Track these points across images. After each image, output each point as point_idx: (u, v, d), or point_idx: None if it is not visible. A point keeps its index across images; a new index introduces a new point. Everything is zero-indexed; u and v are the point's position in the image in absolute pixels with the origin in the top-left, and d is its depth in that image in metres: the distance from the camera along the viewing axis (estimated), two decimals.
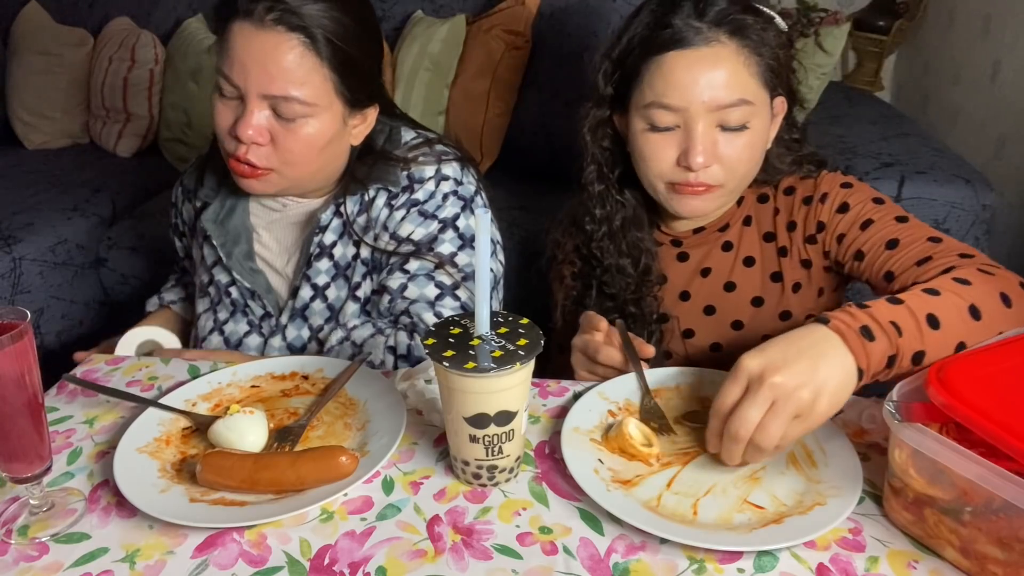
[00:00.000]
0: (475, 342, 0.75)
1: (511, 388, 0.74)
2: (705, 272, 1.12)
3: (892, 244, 0.97)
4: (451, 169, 1.14)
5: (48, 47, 2.57)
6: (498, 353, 0.73)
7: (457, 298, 1.11)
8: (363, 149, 1.15)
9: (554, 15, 2.16)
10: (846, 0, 2.96)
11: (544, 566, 0.69)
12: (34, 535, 0.74)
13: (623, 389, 0.92)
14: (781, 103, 1.05)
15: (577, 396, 0.91)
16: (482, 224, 0.73)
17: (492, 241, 1.19)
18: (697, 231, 1.12)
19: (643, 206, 1.14)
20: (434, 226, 1.12)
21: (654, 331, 1.12)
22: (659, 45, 0.99)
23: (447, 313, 1.10)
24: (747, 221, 1.11)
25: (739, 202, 1.11)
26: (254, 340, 1.16)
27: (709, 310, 1.12)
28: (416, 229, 1.11)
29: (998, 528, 0.63)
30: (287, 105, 1.00)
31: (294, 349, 1.15)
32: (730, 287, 1.11)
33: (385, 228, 1.12)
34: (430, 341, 0.75)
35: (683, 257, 1.14)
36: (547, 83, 2.11)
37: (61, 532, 0.74)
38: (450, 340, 0.75)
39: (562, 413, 0.88)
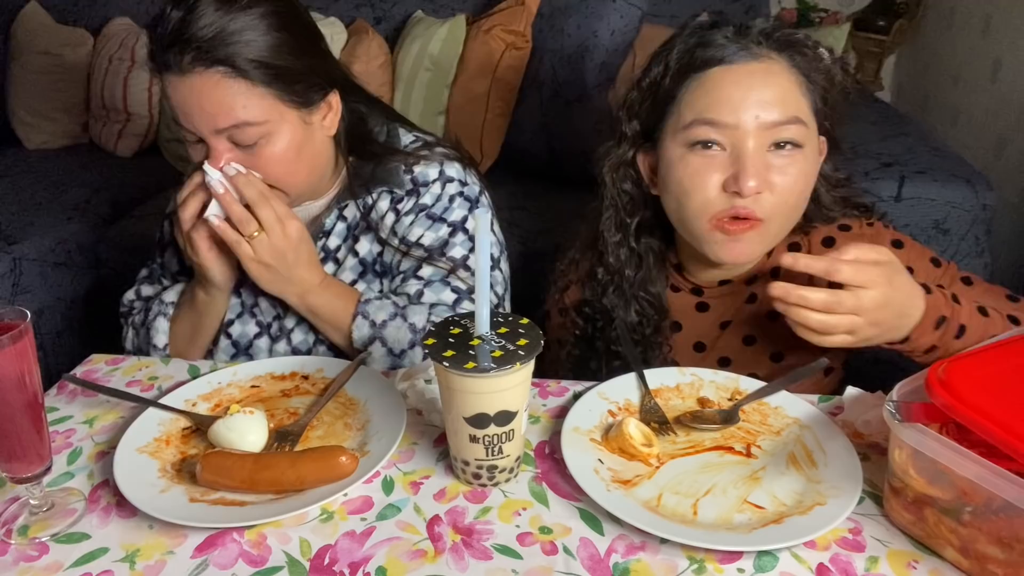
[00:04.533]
0: (475, 342, 0.75)
1: (511, 388, 0.74)
2: (725, 325, 1.06)
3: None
4: (454, 170, 1.15)
5: (48, 47, 2.57)
6: (498, 353, 0.73)
7: (474, 301, 1.11)
8: (365, 147, 1.14)
9: (554, 15, 2.16)
10: (846, 0, 2.96)
11: (544, 566, 0.69)
12: (34, 535, 0.74)
13: (623, 389, 0.92)
14: (823, 144, 0.98)
15: (577, 396, 0.91)
16: (482, 224, 0.74)
17: (496, 245, 1.19)
18: (723, 283, 1.05)
19: (661, 255, 1.08)
20: (444, 230, 1.12)
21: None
22: (701, 63, 0.93)
23: None
24: (775, 273, 1.02)
25: (769, 253, 1.03)
26: (264, 342, 1.15)
27: (724, 362, 1.06)
28: (426, 233, 1.11)
29: (998, 528, 0.63)
30: (241, 132, 1.00)
31: (299, 353, 1.14)
32: (750, 341, 1.04)
33: (394, 232, 1.12)
34: (430, 341, 0.75)
35: (703, 307, 1.07)
36: (547, 83, 2.11)
37: (61, 532, 0.74)
38: (450, 340, 0.75)
39: (562, 413, 0.88)
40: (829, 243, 1.01)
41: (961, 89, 2.33)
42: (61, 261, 2.03)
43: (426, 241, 1.11)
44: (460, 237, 1.12)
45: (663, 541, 0.71)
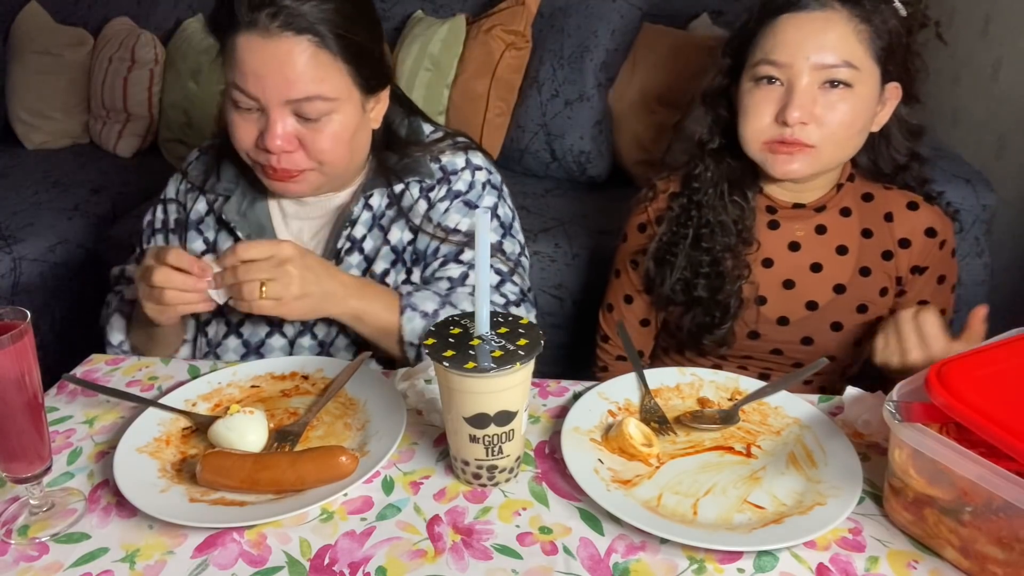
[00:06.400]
0: (475, 342, 0.75)
1: (511, 388, 0.74)
2: (794, 246, 1.14)
3: None
4: (479, 159, 1.17)
5: (48, 47, 2.57)
6: (498, 353, 0.73)
7: (515, 283, 1.14)
8: (389, 140, 1.15)
9: (554, 15, 2.16)
10: None
11: (544, 566, 0.69)
12: (34, 535, 0.74)
13: (623, 389, 0.92)
14: (895, 90, 1.07)
15: (577, 396, 0.91)
16: (482, 224, 0.74)
17: (520, 232, 1.21)
18: (796, 206, 1.13)
19: (752, 169, 1.15)
20: None
21: (733, 292, 1.12)
22: (775, 9, 1.04)
23: (511, 296, 1.12)
24: (845, 212, 1.13)
25: (839, 187, 1.12)
26: (277, 341, 1.14)
27: (788, 284, 1.13)
28: (462, 220, 1.13)
29: (998, 528, 0.63)
30: (310, 105, 0.98)
31: (324, 346, 1.13)
32: (816, 268, 1.13)
33: (428, 219, 1.13)
34: (430, 341, 0.75)
35: (774, 225, 1.15)
36: (547, 83, 2.12)
37: (61, 532, 0.74)
38: (450, 340, 0.75)
39: (562, 413, 0.88)
40: (913, 207, 1.12)
41: (961, 89, 2.33)
42: (61, 261, 2.03)
43: (463, 227, 1.13)
44: (494, 223, 1.15)
45: (663, 541, 0.71)
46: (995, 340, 0.78)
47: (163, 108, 2.48)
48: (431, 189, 1.14)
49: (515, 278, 1.14)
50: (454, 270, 1.12)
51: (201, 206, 1.18)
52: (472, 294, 1.09)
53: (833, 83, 1.01)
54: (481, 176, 1.16)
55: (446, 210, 1.13)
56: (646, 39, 2.11)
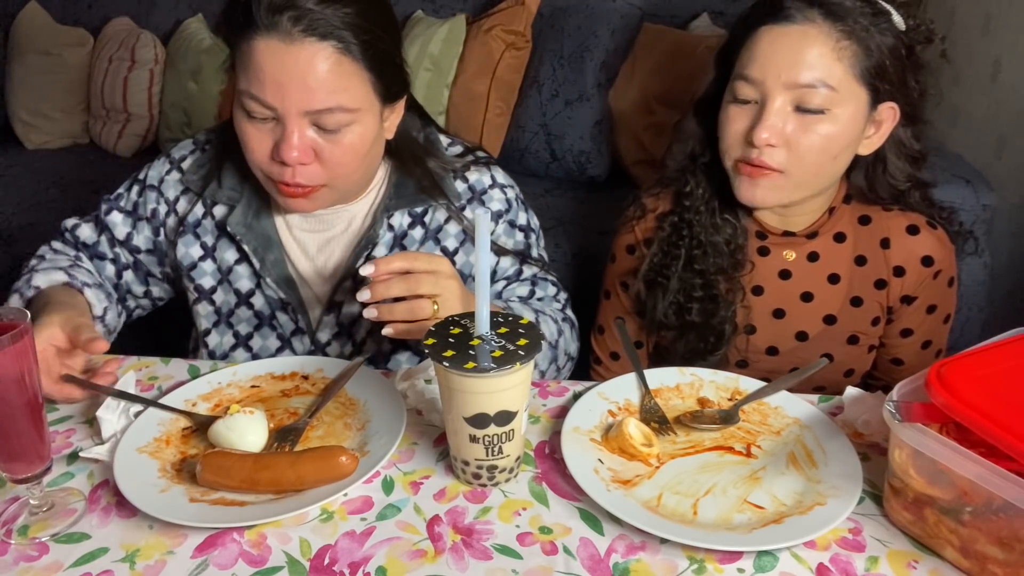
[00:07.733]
0: (475, 342, 0.75)
1: (511, 388, 0.74)
2: (784, 275, 1.10)
3: (896, 361, 1.14)
4: (501, 175, 1.15)
5: (48, 47, 2.57)
6: (498, 353, 0.73)
7: (566, 291, 1.19)
8: (409, 153, 1.10)
9: (554, 15, 2.16)
10: None
11: (544, 566, 0.69)
12: (34, 535, 0.74)
13: (623, 389, 0.92)
14: (890, 111, 1.00)
15: (577, 396, 0.91)
16: (482, 224, 0.74)
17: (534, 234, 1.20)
18: (786, 233, 1.09)
19: None
20: (520, 235, 1.15)
21: (727, 317, 1.09)
22: (757, 19, 0.99)
23: (563, 301, 1.18)
24: (839, 237, 1.08)
25: (831, 211, 1.08)
26: (287, 356, 1.11)
27: (778, 313, 1.10)
28: (508, 240, 1.13)
29: (998, 528, 0.63)
30: (331, 116, 0.93)
31: None
32: (807, 297, 1.09)
33: (469, 241, 1.11)
34: (430, 341, 0.75)
35: (764, 252, 1.11)
36: (547, 83, 2.12)
37: (61, 532, 0.74)
38: (450, 340, 0.75)
39: (562, 413, 0.88)
40: (914, 231, 1.07)
41: (961, 89, 2.34)
42: None
43: (509, 246, 1.13)
44: (533, 238, 1.16)
45: (663, 541, 0.71)
46: (995, 340, 0.78)
47: (163, 108, 2.48)
48: (462, 209, 1.10)
49: (561, 287, 1.18)
50: (520, 289, 1.13)
51: (198, 209, 1.12)
52: (538, 306, 1.11)
53: (806, 106, 0.95)
54: (511, 193, 1.14)
55: (492, 231, 1.12)
56: (646, 39, 2.11)
